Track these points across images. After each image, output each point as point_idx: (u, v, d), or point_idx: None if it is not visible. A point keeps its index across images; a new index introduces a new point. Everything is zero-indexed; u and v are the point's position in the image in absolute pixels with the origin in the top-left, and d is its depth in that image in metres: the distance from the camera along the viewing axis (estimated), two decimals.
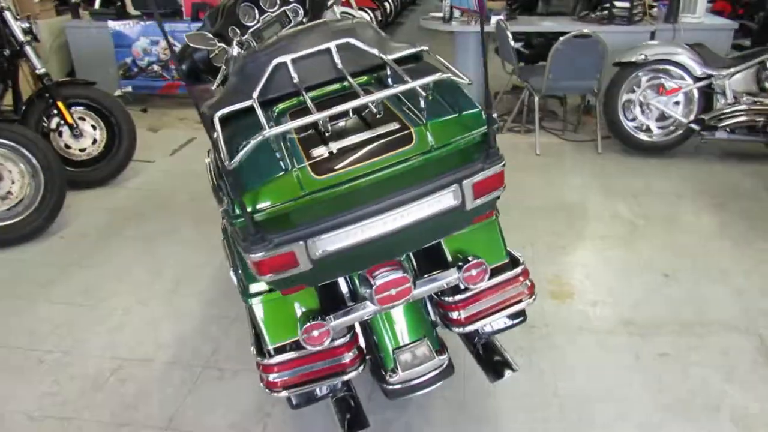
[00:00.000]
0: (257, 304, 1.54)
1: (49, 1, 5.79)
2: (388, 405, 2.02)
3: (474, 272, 1.55)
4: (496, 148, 1.37)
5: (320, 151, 1.31)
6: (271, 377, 1.54)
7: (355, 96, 1.31)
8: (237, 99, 1.42)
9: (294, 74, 1.45)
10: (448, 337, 1.74)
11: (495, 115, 1.37)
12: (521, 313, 1.74)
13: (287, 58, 1.45)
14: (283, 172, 1.27)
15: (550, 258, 2.94)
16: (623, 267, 2.86)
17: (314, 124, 1.34)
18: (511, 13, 5.29)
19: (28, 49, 3.67)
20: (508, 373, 1.74)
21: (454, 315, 1.63)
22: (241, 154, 1.22)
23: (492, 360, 1.79)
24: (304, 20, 2.48)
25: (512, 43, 4.45)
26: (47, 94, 3.71)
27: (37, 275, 2.93)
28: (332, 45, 1.46)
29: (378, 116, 1.39)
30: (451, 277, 1.56)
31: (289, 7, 2.50)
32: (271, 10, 2.54)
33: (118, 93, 5.49)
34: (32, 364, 2.31)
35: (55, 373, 2.25)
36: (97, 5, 5.65)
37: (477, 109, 1.37)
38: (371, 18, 8.35)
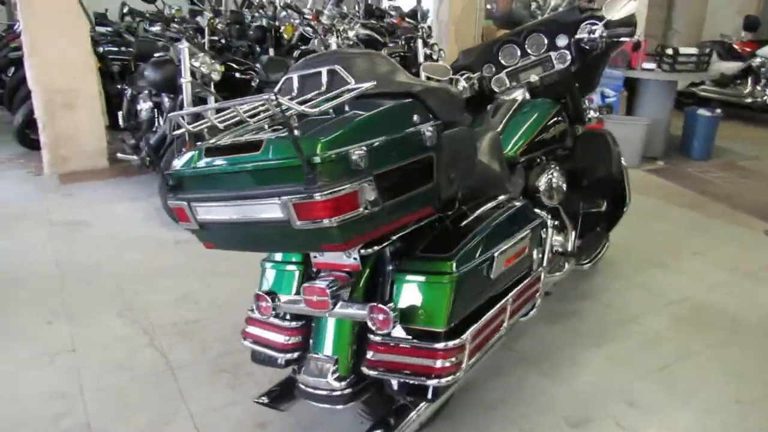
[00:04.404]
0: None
1: None
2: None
3: (380, 316, 1.52)
4: (312, 179, 1.31)
5: (219, 141, 1.50)
6: None
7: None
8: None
9: (295, 87, 1.63)
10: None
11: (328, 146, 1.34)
12: (434, 392, 1.59)
13: (294, 74, 1.65)
14: (194, 149, 1.54)
15: None
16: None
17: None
18: None
19: None
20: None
21: (366, 353, 1.62)
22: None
23: (387, 417, 1.70)
24: (572, 68, 2.61)
25: None
26: None
27: None
28: (324, 69, 1.57)
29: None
30: (360, 311, 1.57)
31: (556, 53, 2.63)
32: (534, 54, 2.67)
33: None
34: None
35: None
36: None
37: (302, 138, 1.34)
38: None
